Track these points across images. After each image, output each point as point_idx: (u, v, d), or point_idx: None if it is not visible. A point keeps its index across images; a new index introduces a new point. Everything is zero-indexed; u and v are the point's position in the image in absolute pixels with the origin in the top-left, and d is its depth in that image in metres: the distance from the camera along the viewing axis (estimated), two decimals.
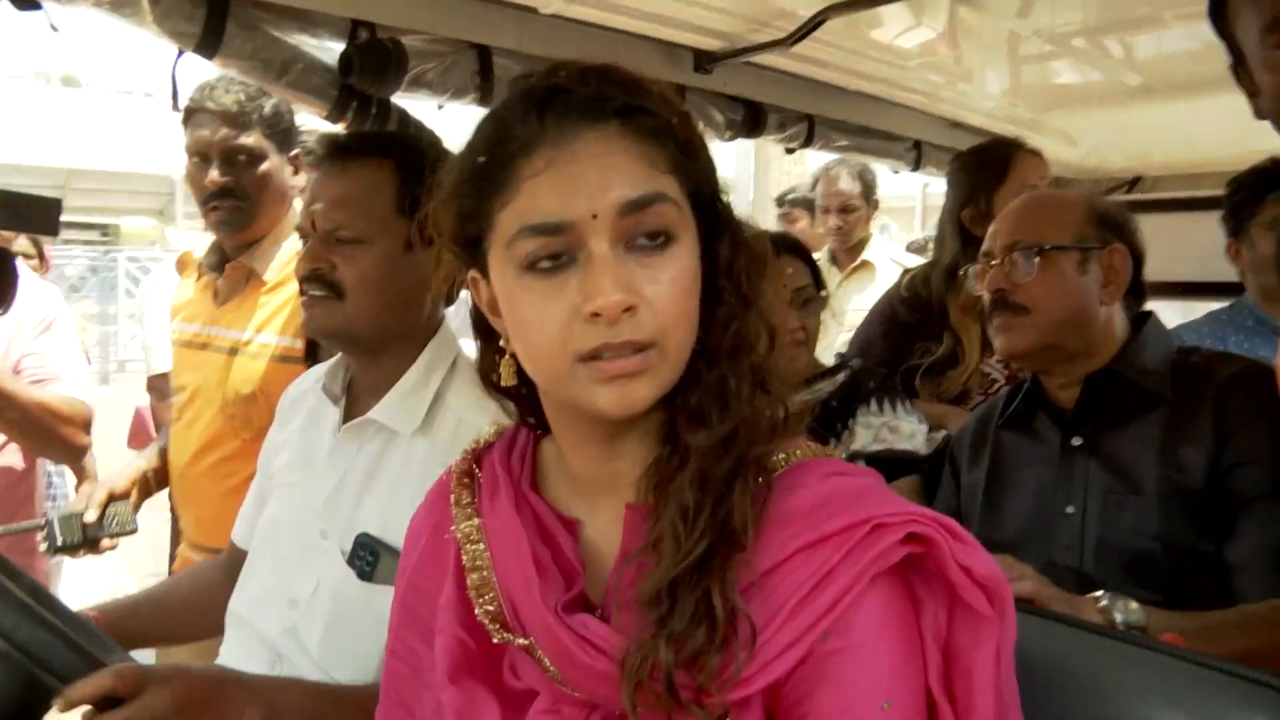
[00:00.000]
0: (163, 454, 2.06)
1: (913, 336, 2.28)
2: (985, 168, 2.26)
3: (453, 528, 0.89)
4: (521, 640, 0.81)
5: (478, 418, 1.28)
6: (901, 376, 2.23)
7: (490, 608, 0.84)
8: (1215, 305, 2.44)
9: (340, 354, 1.45)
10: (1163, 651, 0.93)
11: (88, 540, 1.74)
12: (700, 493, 0.77)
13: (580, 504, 0.87)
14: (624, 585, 0.80)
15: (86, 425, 2.12)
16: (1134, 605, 1.17)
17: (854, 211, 3.66)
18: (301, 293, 1.33)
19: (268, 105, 1.94)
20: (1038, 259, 1.50)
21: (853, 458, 1.93)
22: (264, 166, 1.96)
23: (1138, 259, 1.55)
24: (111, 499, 1.79)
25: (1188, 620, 1.23)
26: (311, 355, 1.85)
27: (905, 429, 1.97)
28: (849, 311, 3.32)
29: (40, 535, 1.74)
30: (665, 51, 2.08)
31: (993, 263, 1.56)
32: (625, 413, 0.77)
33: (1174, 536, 1.38)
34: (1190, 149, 3.02)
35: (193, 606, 1.51)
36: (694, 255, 0.80)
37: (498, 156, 0.79)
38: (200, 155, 1.94)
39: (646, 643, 0.73)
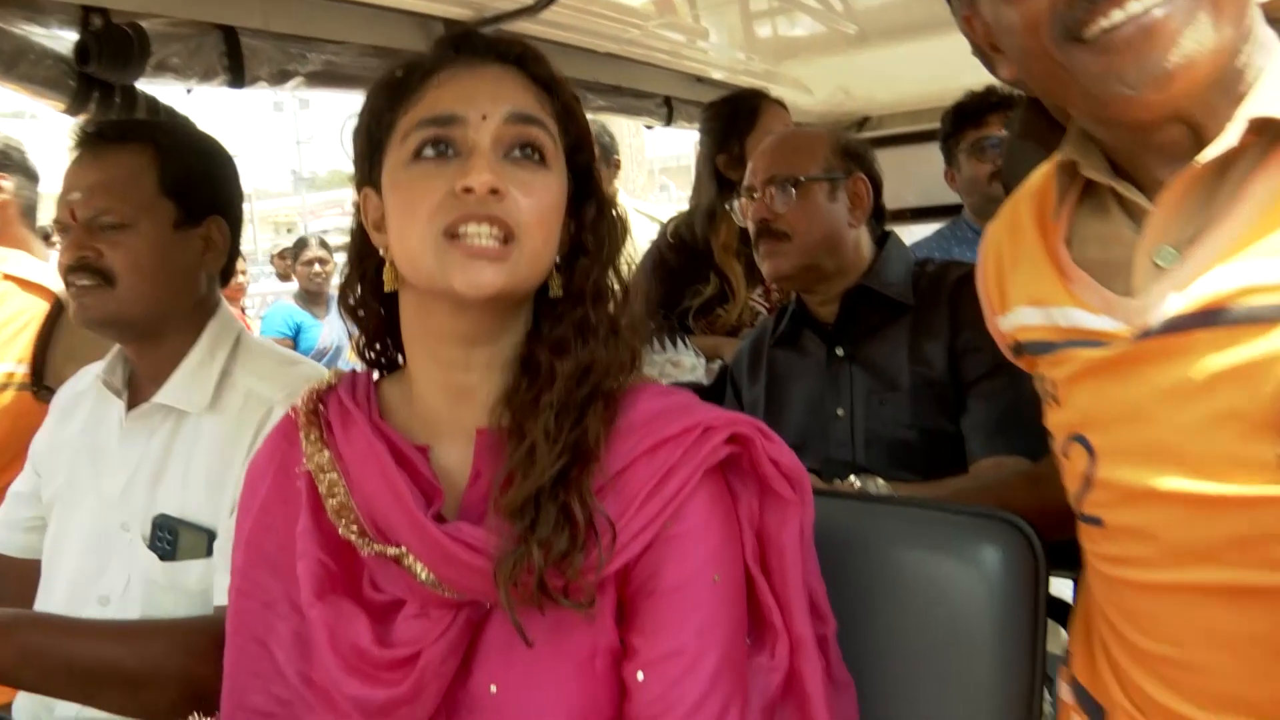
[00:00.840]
0: None
1: (682, 280, 2.43)
2: (736, 117, 2.45)
3: (304, 463, 0.95)
4: (393, 550, 0.88)
5: (266, 388, 1.32)
6: (677, 318, 2.39)
7: (354, 528, 0.90)
8: (940, 225, 2.75)
9: (116, 347, 1.42)
10: (911, 504, 1.10)
11: None
12: (559, 415, 0.87)
13: (426, 433, 0.95)
14: (477, 501, 0.90)
15: None
16: (880, 481, 1.36)
17: None
18: (68, 284, 1.30)
19: None
20: (794, 189, 1.68)
21: None
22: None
23: (877, 186, 1.75)
24: None
25: (927, 488, 1.44)
26: (36, 379, 1.82)
27: (686, 363, 2.12)
28: None
29: None
30: (417, 24, 2.10)
31: (754, 195, 1.72)
32: (475, 292, 0.85)
33: (926, 422, 1.59)
34: (909, 88, 3.32)
35: None
36: (561, 189, 0.92)
37: (410, 72, 0.92)
38: None
39: (518, 548, 0.82)
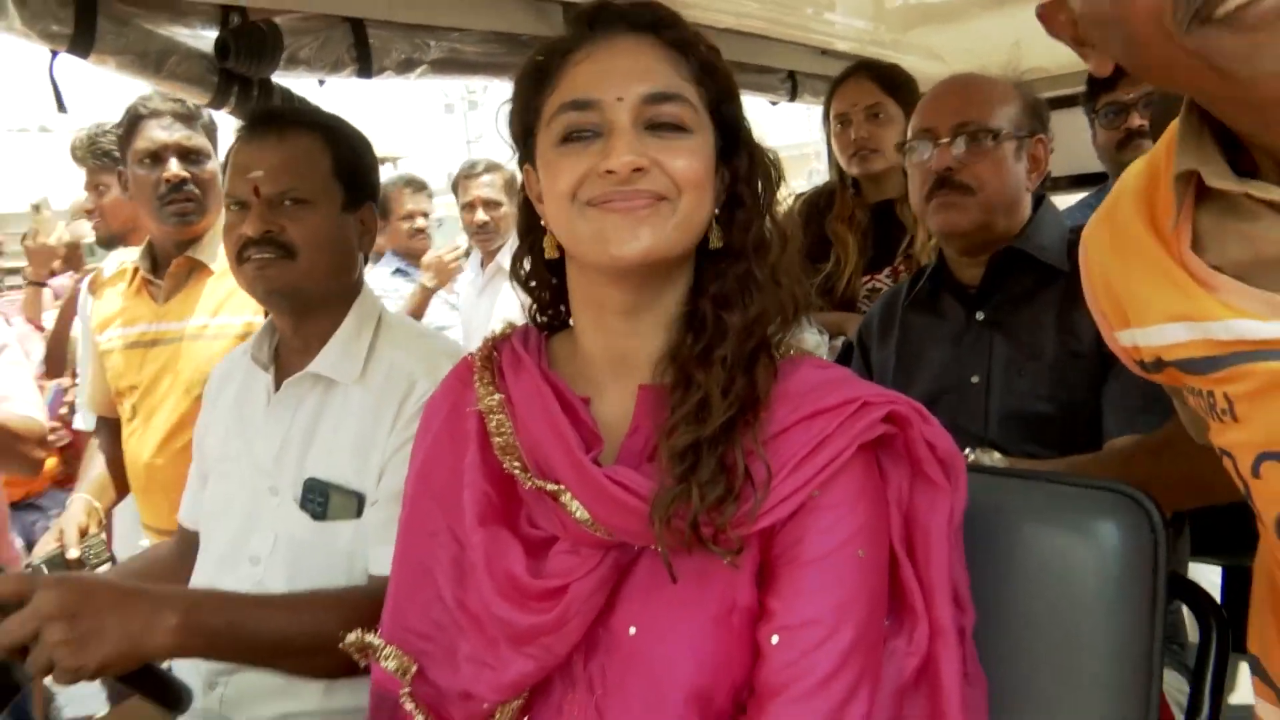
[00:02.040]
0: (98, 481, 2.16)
1: (806, 257, 2.39)
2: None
3: (477, 403, 1.00)
4: (552, 486, 0.91)
5: (408, 361, 1.38)
6: None
7: (517, 464, 0.95)
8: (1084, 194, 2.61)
9: (265, 323, 1.52)
10: (1025, 476, 1.05)
11: (72, 562, 1.80)
12: (732, 368, 0.90)
13: (589, 385, 0.99)
14: (635, 452, 0.93)
15: (42, 441, 2.17)
16: (997, 455, 1.31)
17: None
18: (245, 258, 1.38)
19: (204, 113, 2.06)
20: (989, 141, 1.57)
21: None
22: (210, 165, 2.09)
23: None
24: (83, 534, 1.86)
25: (1047, 464, 1.38)
26: None
27: (808, 341, 2.09)
28: None
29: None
30: (535, 8, 2.14)
31: (941, 141, 1.60)
32: (629, 253, 0.89)
33: (1066, 396, 1.52)
34: (1048, 52, 3.17)
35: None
36: (707, 149, 0.94)
37: (550, 55, 0.96)
38: (152, 156, 2.05)
39: (675, 490, 0.86)
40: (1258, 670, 0.93)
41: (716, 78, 0.96)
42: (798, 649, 0.86)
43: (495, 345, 1.05)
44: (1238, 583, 1.86)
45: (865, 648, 0.87)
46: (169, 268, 2.10)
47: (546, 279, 1.04)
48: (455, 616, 0.97)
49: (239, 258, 1.40)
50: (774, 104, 2.87)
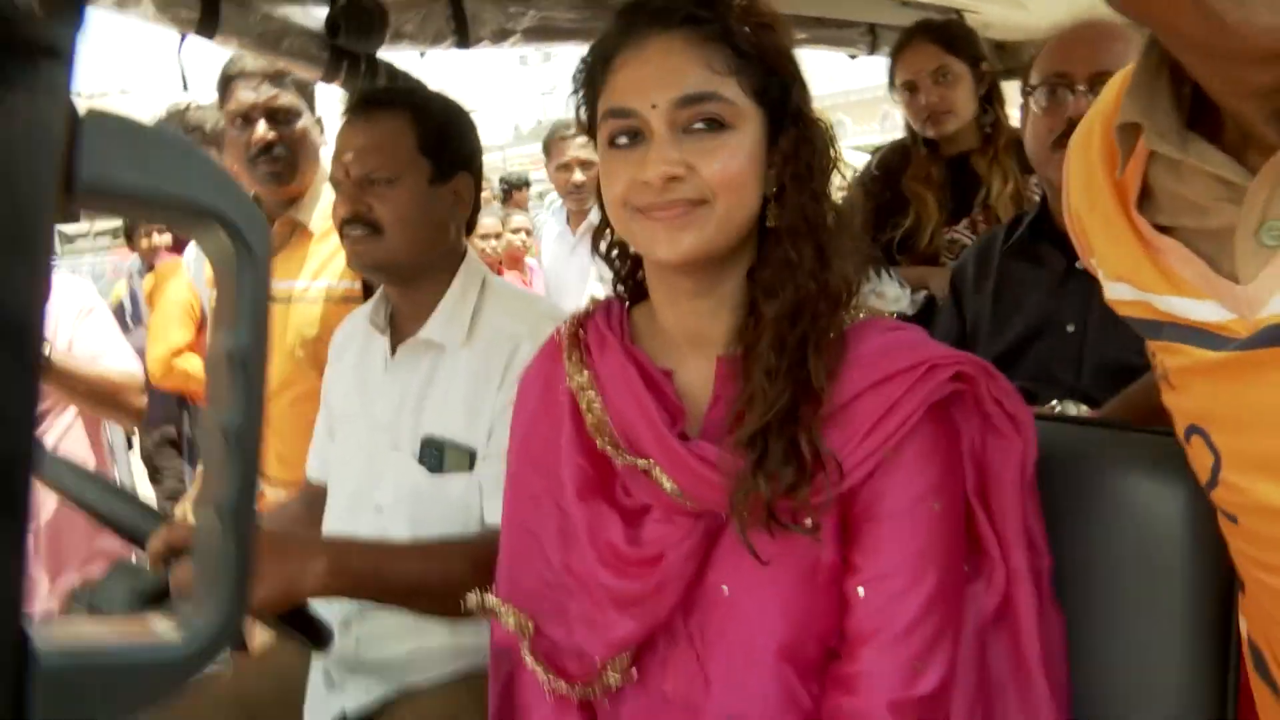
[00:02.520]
0: None
1: (886, 214, 2.43)
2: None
3: (568, 381, 1.06)
4: (642, 463, 0.99)
5: (512, 324, 1.46)
6: (882, 249, 2.40)
7: (609, 442, 1.01)
8: None
9: (381, 290, 1.61)
10: (1105, 425, 1.11)
11: None
12: (778, 355, 0.93)
13: (671, 357, 1.04)
14: (718, 422, 0.98)
15: (140, 391, 2.33)
16: (1083, 406, 1.35)
17: None
18: (342, 235, 1.50)
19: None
20: None
21: None
22: (300, 123, 2.10)
23: None
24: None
25: (1112, 403, 1.40)
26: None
27: (890, 293, 2.14)
28: None
29: None
30: None
31: (1078, 88, 1.53)
32: (674, 256, 0.94)
33: None
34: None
35: None
36: (753, 142, 0.95)
37: (596, 59, 1.00)
38: (243, 117, 2.07)
39: (747, 479, 0.91)
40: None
41: (765, 59, 0.96)
42: (883, 598, 0.93)
43: (581, 322, 1.09)
44: None
45: (947, 594, 0.94)
46: (272, 228, 2.16)
47: (625, 251, 1.09)
48: (563, 579, 1.03)
49: (341, 234, 1.51)
50: (853, 57, 2.87)
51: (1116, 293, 0.86)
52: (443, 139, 1.52)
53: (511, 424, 1.15)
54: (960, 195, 2.37)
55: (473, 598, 1.09)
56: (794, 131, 0.97)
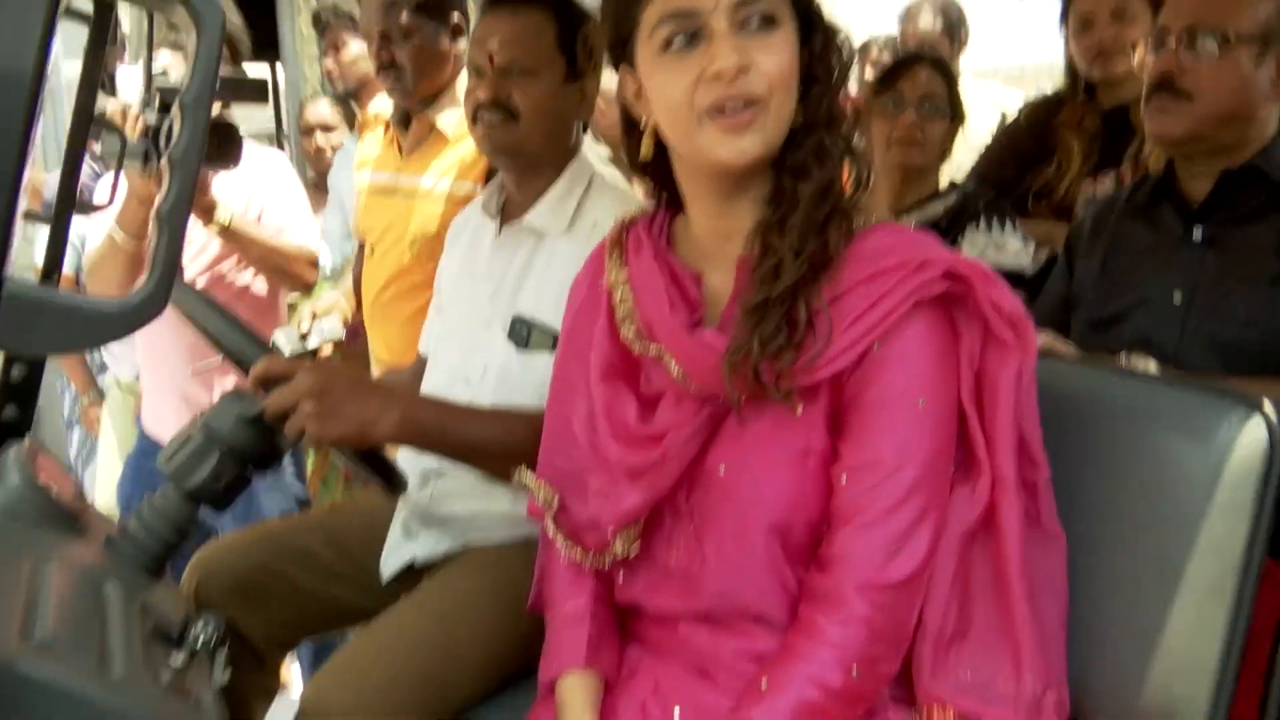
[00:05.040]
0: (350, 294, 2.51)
1: (1028, 163, 2.36)
2: None
3: (606, 277, 1.16)
4: (654, 348, 1.08)
5: (607, 218, 1.51)
6: (1017, 200, 2.33)
7: (632, 330, 1.11)
8: None
9: (497, 178, 1.72)
10: (1149, 379, 1.10)
11: (307, 350, 2.11)
12: (804, 235, 1.00)
13: (702, 261, 1.12)
14: (733, 316, 1.04)
15: (313, 264, 2.54)
16: (1152, 363, 1.31)
17: (934, 51, 3.54)
18: (478, 118, 1.59)
19: None
20: (1216, 46, 1.48)
21: None
22: (416, 40, 2.25)
23: None
24: (315, 317, 2.17)
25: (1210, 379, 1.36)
26: None
27: (1011, 246, 2.09)
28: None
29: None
30: None
31: (1164, 41, 1.53)
32: (739, 160, 1.01)
33: (1269, 324, 1.46)
34: None
35: None
36: (793, 41, 1.02)
37: None
38: (368, 37, 2.29)
39: (741, 344, 0.98)
40: None
41: None
42: (862, 485, 0.98)
43: (625, 228, 1.18)
44: None
45: (928, 487, 0.98)
46: (411, 127, 2.33)
47: (653, 169, 1.13)
48: (589, 457, 1.13)
49: (473, 118, 1.61)
50: None
51: None
52: (578, 39, 1.61)
53: (563, 320, 1.25)
54: (1111, 150, 2.27)
55: (516, 474, 1.21)
56: (821, 34, 1.04)
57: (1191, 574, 0.99)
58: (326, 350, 2.21)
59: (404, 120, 2.37)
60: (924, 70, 2.21)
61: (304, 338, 2.17)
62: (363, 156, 2.53)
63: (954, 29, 3.61)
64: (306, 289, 2.64)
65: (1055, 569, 1.04)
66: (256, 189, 2.51)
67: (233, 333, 1.34)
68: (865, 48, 4.32)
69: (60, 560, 1.00)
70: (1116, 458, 1.07)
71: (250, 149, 2.44)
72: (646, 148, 1.11)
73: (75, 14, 1.42)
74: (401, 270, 2.26)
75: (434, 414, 1.39)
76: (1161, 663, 1.02)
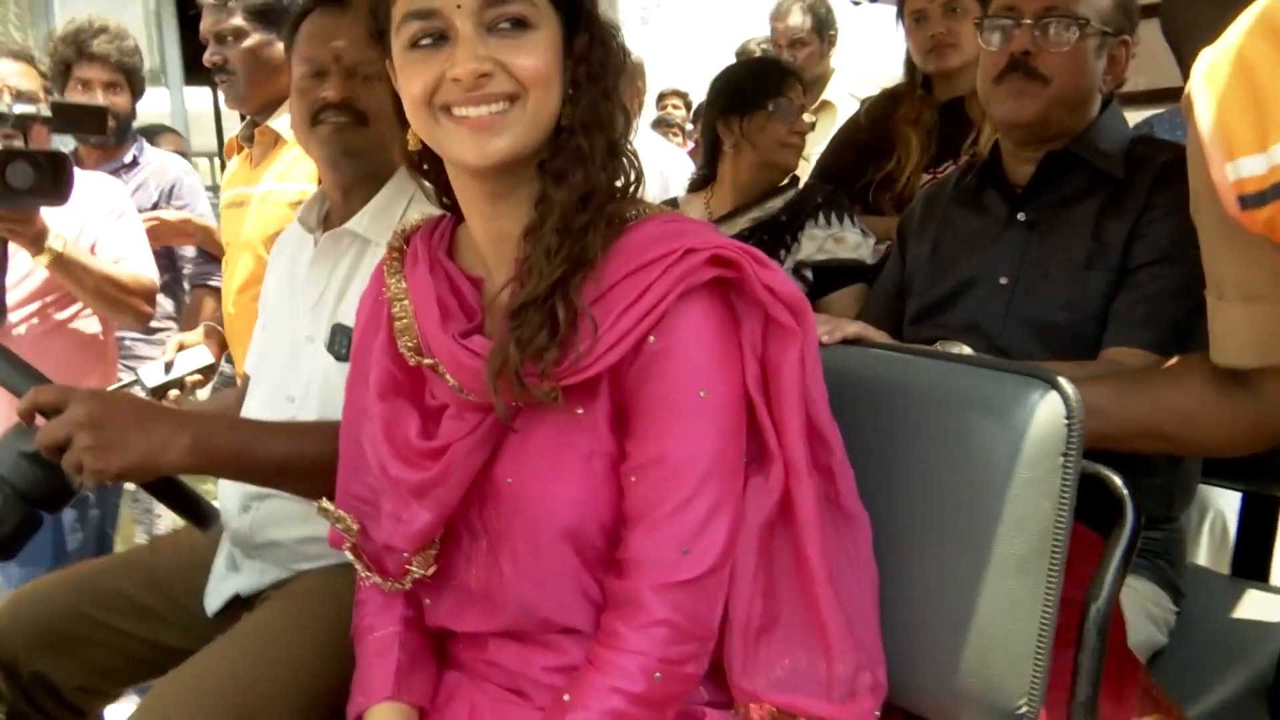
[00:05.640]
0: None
1: (869, 157, 2.39)
2: None
3: (384, 291, 1.10)
4: (428, 361, 1.03)
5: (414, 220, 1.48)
6: (859, 194, 2.36)
7: (410, 343, 1.05)
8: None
9: (317, 190, 1.64)
10: (956, 361, 1.10)
11: (172, 382, 2.01)
12: (560, 236, 0.95)
13: (483, 266, 1.08)
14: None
15: (149, 297, 2.40)
16: (966, 349, 1.33)
17: (805, 47, 3.60)
18: (316, 121, 1.51)
19: None
20: (1075, 31, 1.50)
21: (798, 268, 2.08)
22: (248, 43, 2.25)
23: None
24: (182, 347, 2.08)
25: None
26: None
27: (850, 240, 2.10)
28: (812, 156, 3.28)
29: (136, 387, 2.04)
30: None
31: (1018, 21, 1.53)
32: (484, 163, 0.96)
33: (1082, 307, 1.49)
34: None
35: None
36: (552, 40, 0.98)
37: None
38: (205, 40, 2.29)
39: (501, 348, 0.94)
40: None
41: None
42: (650, 484, 0.95)
43: (407, 237, 1.14)
44: (1258, 510, 1.84)
45: (718, 480, 0.95)
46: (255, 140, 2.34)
47: (434, 168, 1.09)
48: (381, 481, 1.08)
49: (314, 119, 1.51)
50: (856, 3, 2.80)
51: None
52: None
53: (351, 337, 1.19)
54: (948, 141, 2.32)
55: (319, 504, 1.15)
56: (587, 33, 1.00)
57: (999, 551, 0.99)
58: (194, 379, 2.11)
59: (249, 135, 2.36)
60: (794, 85, 2.22)
61: (169, 367, 2.05)
62: (226, 178, 2.51)
63: (822, 27, 3.66)
64: (143, 323, 2.51)
65: (860, 548, 1.03)
66: (90, 217, 2.38)
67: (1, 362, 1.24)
68: (744, 48, 4.40)
69: None
70: (925, 439, 1.07)
71: (87, 177, 2.38)
72: (413, 140, 1.06)
73: None
74: (252, 277, 2.21)
75: (229, 436, 1.30)
76: (977, 640, 1.01)
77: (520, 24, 0.95)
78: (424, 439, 1.03)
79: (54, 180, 1.90)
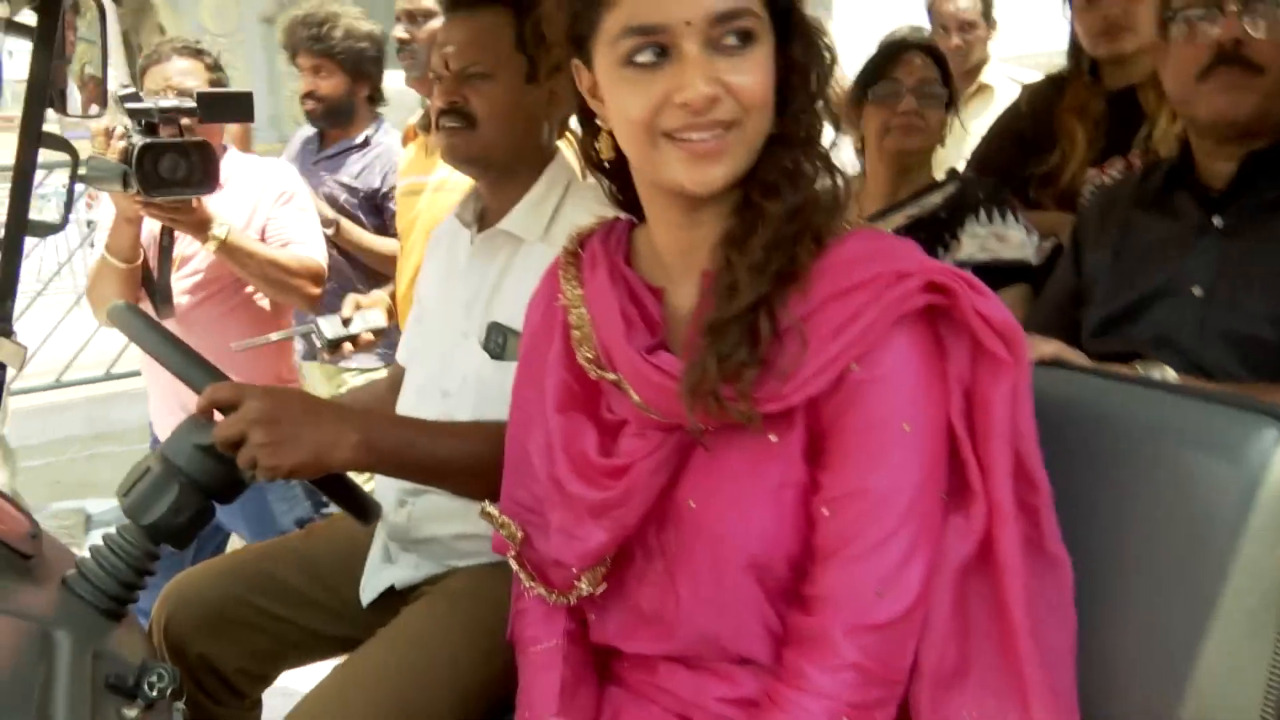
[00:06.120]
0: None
1: (1030, 149, 2.26)
2: None
3: (560, 298, 1.07)
4: (611, 376, 0.99)
5: (586, 222, 1.46)
6: (1019, 188, 2.24)
7: (589, 355, 1.02)
8: None
9: (472, 186, 1.64)
10: (1173, 391, 1.01)
11: (348, 336, 2.05)
12: (768, 252, 0.91)
13: (664, 276, 1.04)
14: (696, 333, 0.96)
15: (316, 279, 2.44)
16: (1170, 371, 1.22)
17: (972, 30, 3.44)
18: (438, 126, 1.52)
19: None
20: None
21: (959, 267, 1.98)
22: (434, 24, 2.38)
23: None
24: (359, 306, 2.13)
25: (1228, 387, 1.27)
26: None
27: (1014, 238, 1.99)
28: (970, 137, 3.16)
29: (313, 335, 2.05)
30: None
31: (1228, 7, 1.39)
32: (703, 190, 0.92)
33: None
34: None
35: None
36: (770, 56, 0.93)
37: None
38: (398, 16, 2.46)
39: (699, 362, 0.90)
40: None
41: None
42: (847, 518, 0.90)
43: (581, 241, 1.10)
44: None
45: (918, 519, 0.89)
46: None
47: (615, 163, 1.04)
48: (549, 491, 1.05)
49: (436, 125, 1.53)
50: None
51: None
52: (541, 39, 1.52)
53: (520, 339, 1.18)
54: (1118, 134, 2.17)
55: (481, 506, 1.14)
56: (800, 41, 0.95)
57: (1225, 607, 0.91)
58: (368, 338, 2.15)
59: (426, 125, 2.39)
60: (917, 56, 2.11)
61: (346, 323, 2.09)
62: (402, 165, 2.58)
63: (989, 9, 3.51)
64: (310, 305, 2.55)
65: (1061, 594, 0.96)
66: (260, 203, 2.45)
67: (176, 357, 1.26)
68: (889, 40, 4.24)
69: (4, 610, 0.93)
70: (1134, 476, 0.99)
71: (258, 162, 2.47)
72: (606, 147, 1.02)
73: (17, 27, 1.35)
74: (420, 266, 2.21)
75: (395, 434, 1.31)
76: (1195, 700, 0.93)
77: (745, 37, 0.90)
78: (603, 456, 0.99)
79: (203, 170, 1.94)
